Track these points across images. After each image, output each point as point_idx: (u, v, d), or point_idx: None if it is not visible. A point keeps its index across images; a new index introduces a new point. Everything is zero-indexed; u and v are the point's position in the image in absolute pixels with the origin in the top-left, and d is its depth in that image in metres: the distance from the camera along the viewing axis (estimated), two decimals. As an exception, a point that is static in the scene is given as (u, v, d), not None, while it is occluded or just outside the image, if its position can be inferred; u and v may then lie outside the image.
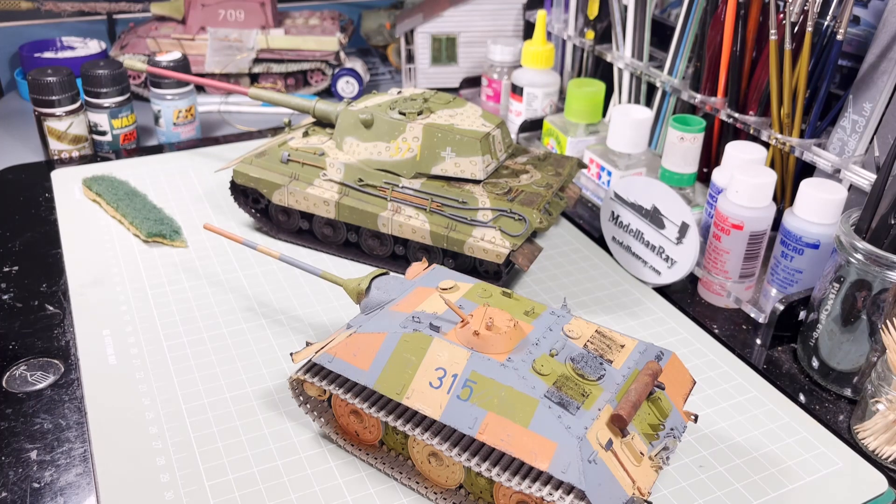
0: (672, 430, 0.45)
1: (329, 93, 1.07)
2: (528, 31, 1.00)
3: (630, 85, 0.87)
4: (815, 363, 0.59)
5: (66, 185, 0.80)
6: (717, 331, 0.64)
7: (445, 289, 0.50)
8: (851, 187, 0.62)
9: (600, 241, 0.75)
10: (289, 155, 0.69)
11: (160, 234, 0.71)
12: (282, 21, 1.07)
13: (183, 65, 0.88)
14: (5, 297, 0.64)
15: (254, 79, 1.06)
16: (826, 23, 0.63)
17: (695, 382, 0.49)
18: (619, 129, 0.77)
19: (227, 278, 0.67)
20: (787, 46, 0.64)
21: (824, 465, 0.51)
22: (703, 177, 0.79)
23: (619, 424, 0.41)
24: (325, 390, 0.50)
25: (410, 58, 1.07)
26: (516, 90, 0.93)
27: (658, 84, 0.81)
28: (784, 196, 0.72)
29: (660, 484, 0.49)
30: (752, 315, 0.65)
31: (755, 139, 0.70)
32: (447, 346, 0.44)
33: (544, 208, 0.65)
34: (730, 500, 0.48)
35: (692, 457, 0.51)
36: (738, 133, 0.75)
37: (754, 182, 0.61)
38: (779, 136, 0.67)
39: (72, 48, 1.08)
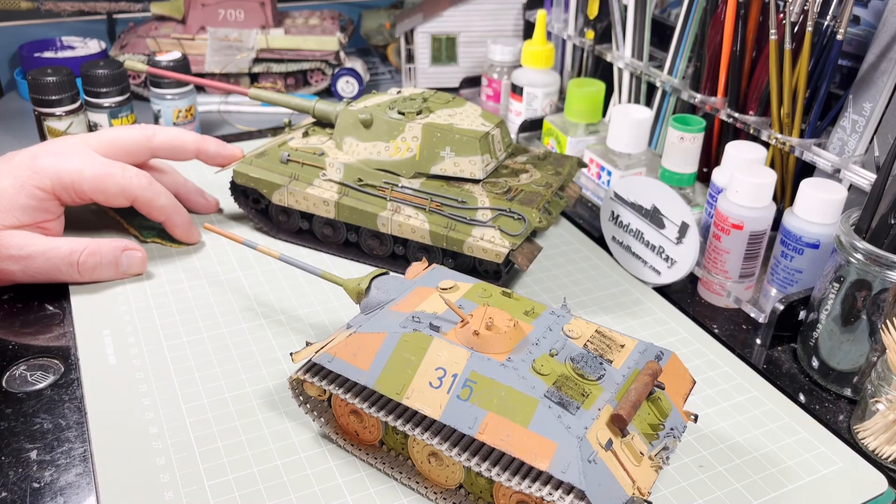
0: (672, 430, 0.45)
1: (329, 93, 1.07)
2: (528, 30, 1.00)
3: (630, 85, 0.87)
4: (815, 363, 0.59)
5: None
6: (717, 331, 0.64)
7: (445, 289, 0.50)
8: (851, 187, 0.62)
9: (600, 241, 0.75)
10: (289, 155, 0.69)
11: (159, 234, 0.71)
12: (282, 21, 1.07)
13: (183, 65, 0.88)
14: (5, 297, 0.64)
15: (254, 79, 1.06)
16: (826, 23, 0.63)
17: (695, 382, 0.49)
18: (619, 128, 0.77)
19: (227, 278, 0.67)
20: (787, 46, 0.64)
21: (824, 465, 0.51)
22: (703, 177, 0.79)
23: (619, 424, 0.41)
24: (325, 390, 0.50)
25: (410, 57, 1.07)
26: (516, 90, 0.93)
27: (658, 84, 0.81)
28: (784, 196, 0.72)
29: (660, 484, 0.49)
30: (752, 315, 0.65)
31: (755, 139, 0.70)
32: (447, 345, 0.44)
33: (544, 208, 0.65)
34: (730, 500, 0.48)
35: (692, 457, 0.51)
36: (738, 133, 0.75)
37: (754, 182, 0.61)
38: (779, 135, 0.67)
39: (72, 48, 1.08)
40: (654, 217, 0.67)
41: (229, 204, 0.78)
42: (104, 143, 0.67)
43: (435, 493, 0.47)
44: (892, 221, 0.53)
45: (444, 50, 1.06)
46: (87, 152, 0.65)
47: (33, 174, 0.62)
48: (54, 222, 0.64)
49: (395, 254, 0.69)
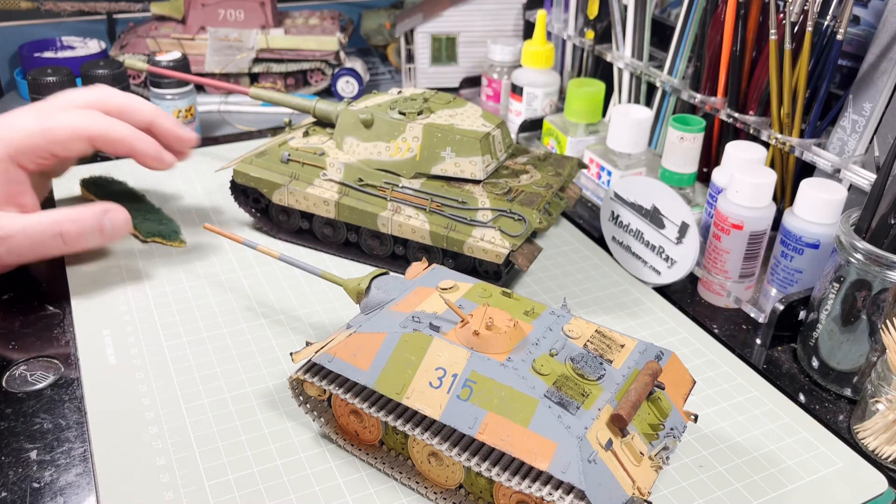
0: (672, 430, 0.45)
1: (329, 93, 1.07)
2: (528, 30, 1.00)
3: (630, 85, 0.87)
4: (815, 363, 0.59)
5: (66, 185, 0.80)
6: (716, 331, 0.64)
7: (445, 289, 0.50)
8: (851, 187, 0.62)
9: (600, 241, 0.75)
10: (289, 155, 0.69)
11: (159, 234, 0.71)
12: (282, 21, 1.07)
13: (183, 65, 0.88)
14: (5, 297, 0.64)
15: (254, 79, 1.06)
16: (826, 23, 0.63)
17: (695, 382, 0.49)
18: (619, 128, 0.77)
19: (227, 278, 0.67)
20: (787, 46, 0.64)
21: (824, 465, 0.51)
22: (703, 177, 0.79)
23: (619, 424, 0.41)
24: (324, 390, 0.50)
25: (410, 58, 1.07)
26: (516, 90, 0.93)
27: (658, 84, 0.81)
28: (784, 196, 0.72)
29: (660, 484, 0.49)
30: (752, 315, 0.65)
31: (755, 139, 0.70)
32: (447, 345, 0.44)
33: (544, 208, 0.65)
34: (730, 500, 0.48)
35: (692, 457, 0.51)
36: (738, 133, 0.75)
37: (754, 182, 0.61)
38: (779, 135, 0.67)
39: (72, 48, 1.08)
40: (654, 217, 0.67)
41: (229, 204, 0.78)
42: (57, 107, 0.65)
43: (435, 493, 0.47)
44: (892, 221, 0.53)
45: (444, 50, 1.06)
46: (33, 111, 0.63)
47: None
48: (28, 196, 0.62)
49: (395, 254, 0.69)
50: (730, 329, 0.64)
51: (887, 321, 0.52)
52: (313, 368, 0.48)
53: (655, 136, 0.85)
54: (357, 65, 1.08)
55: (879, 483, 0.50)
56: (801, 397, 0.58)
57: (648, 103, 0.86)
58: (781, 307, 0.60)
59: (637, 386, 0.43)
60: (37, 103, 0.66)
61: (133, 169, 0.84)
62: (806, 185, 0.60)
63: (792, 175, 0.71)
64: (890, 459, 0.51)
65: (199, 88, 1.03)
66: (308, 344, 0.51)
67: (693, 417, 0.47)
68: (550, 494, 0.40)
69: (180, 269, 0.68)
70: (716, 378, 0.58)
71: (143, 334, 0.60)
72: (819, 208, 0.59)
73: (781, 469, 0.51)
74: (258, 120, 1.00)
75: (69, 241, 0.62)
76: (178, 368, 0.57)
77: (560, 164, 0.71)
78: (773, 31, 0.64)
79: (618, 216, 0.71)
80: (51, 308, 0.63)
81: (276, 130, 0.95)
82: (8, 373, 0.56)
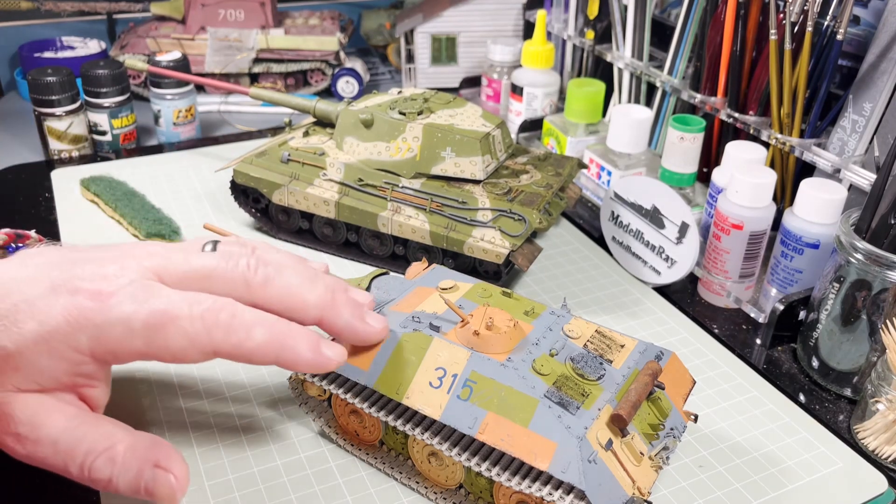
0: (672, 430, 0.45)
1: (329, 93, 1.07)
2: (528, 30, 1.00)
3: (630, 85, 0.87)
4: (815, 363, 0.59)
5: (66, 185, 0.80)
6: (716, 331, 0.64)
7: (445, 289, 0.50)
8: (851, 187, 0.62)
9: (600, 241, 0.75)
10: (289, 155, 0.69)
11: (159, 233, 0.71)
12: (282, 21, 1.07)
13: (183, 65, 0.88)
14: (5, 296, 0.63)
15: (254, 79, 1.06)
16: (826, 23, 0.63)
17: (695, 382, 0.49)
18: (619, 128, 0.77)
19: (227, 278, 0.67)
20: (787, 46, 0.64)
21: (824, 465, 0.51)
22: (703, 177, 0.79)
23: (619, 424, 0.41)
24: (325, 390, 0.50)
25: (410, 58, 1.07)
26: (516, 90, 0.93)
27: (658, 84, 0.81)
28: (784, 196, 0.72)
29: (660, 484, 0.49)
30: (752, 315, 0.65)
31: (755, 139, 0.70)
32: (447, 345, 0.44)
33: (544, 208, 0.65)
34: (730, 500, 0.48)
35: (692, 457, 0.51)
36: (738, 133, 0.75)
37: (754, 182, 0.61)
38: (779, 136, 0.67)
39: (72, 48, 1.08)
40: (654, 217, 0.67)
41: (229, 204, 0.78)
42: (180, 278, 0.42)
43: (435, 493, 0.47)
44: (892, 221, 0.53)
45: (444, 50, 1.06)
46: (142, 284, 0.40)
47: (66, 324, 0.39)
48: (97, 389, 0.43)
49: (396, 254, 0.69)
50: (730, 329, 0.64)
51: (887, 321, 0.52)
52: (313, 368, 0.48)
53: (655, 136, 0.85)
54: (357, 65, 1.08)
55: (879, 483, 0.50)
56: (801, 397, 0.58)
57: (648, 103, 0.86)
58: (781, 307, 0.60)
59: (637, 386, 0.43)
60: (151, 252, 0.42)
61: (134, 169, 0.84)
62: (806, 185, 0.60)
63: (792, 175, 0.71)
64: (890, 459, 0.51)
65: (199, 88, 1.03)
66: (308, 344, 0.51)
67: (693, 417, 0.47)
68: (550, 494, 0.40)
69: (180, 269, 0.68)
70: (716, 378, 0.58)
71: (143, 334, 0.60)
72: (819, 208, 0.59)
73: (781, 469, 0.51)
74: (258, 120, 1.00)
75: (94, 480, 0.41)
76: (178, 368, 0.57)
77: (560, 164, 0.71)
78: (773, 31, 0.64)
79: (618, 216, 0.71)
80: (51, 308, 0.62)
81: (276, 130, 0.95)
82: (8, 373, 0.56)
